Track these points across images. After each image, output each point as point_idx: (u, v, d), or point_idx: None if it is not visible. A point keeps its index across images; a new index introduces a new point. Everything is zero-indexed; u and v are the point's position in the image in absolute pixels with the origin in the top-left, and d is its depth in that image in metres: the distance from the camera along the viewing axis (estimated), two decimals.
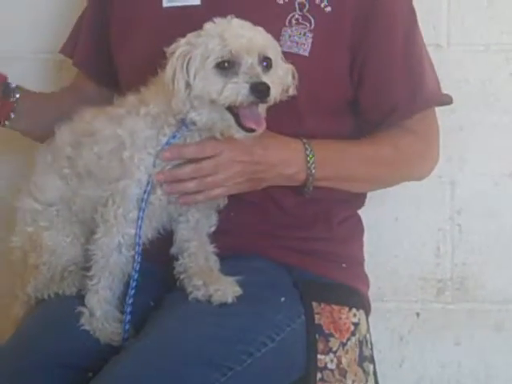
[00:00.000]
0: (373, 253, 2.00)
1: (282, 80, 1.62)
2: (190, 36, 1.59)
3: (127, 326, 1.64)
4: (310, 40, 1.76)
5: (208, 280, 1.66)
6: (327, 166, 1.73)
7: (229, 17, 1.61)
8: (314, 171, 1.71)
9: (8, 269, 1.93)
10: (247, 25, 1.61)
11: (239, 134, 1.59)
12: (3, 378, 1.60)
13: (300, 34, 1.76)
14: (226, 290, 1.64)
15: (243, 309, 1.62)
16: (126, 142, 1.65)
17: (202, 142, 1.63)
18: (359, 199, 1.95)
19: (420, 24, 1.86)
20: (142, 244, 1.66)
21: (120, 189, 1.65)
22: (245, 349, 1.57)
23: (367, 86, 1.80)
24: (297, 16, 1.77)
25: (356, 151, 1.80)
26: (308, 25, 1.77)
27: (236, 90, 1.53)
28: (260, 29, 1.61)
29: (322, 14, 1.77)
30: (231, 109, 1.56)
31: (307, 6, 1.78)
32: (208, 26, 1.60)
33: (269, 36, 1.62)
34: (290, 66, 1.64)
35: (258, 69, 1.55)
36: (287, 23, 1.77)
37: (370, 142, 1.83)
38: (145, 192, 1.63)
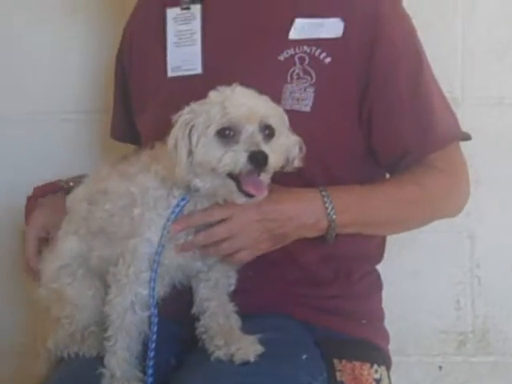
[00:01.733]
0: (393, 307, 1.99)
1: (285, 148, 1.61)
2: (194, 105, 1.60)
3: (151, 380, 1.63)
4: (311, 95, 1.75)
5: (229, 339, 1.66)
6: (349, 211, 1.71)
7: (234, 85, 1.61)
8: (334, 217, 1.68)
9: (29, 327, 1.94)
10: (251, 93, 1.60)
11: (240, 200, 1.58)
12: None
13: (301, 89, 1.75)
14: (248, 348, 1.63)
15: (265, 368, 1.61)
16: (137, 199, 1.66)
17: (210, 207, 1.64)
18: (378, 254, 1.94)
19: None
20: (156, 304, 1.66)
21: (130, 247, 1.66)
22: None
23: (377, 135, 1.78)
24: (297, 71, 1.76)
25: (378, 193, 1.77)
26: (309, 78, 1.75)
27: (235, 158, 1.53)
28: (265, 97, 1.61)
29: (322, 65, 1.76)
30: (232, 175, 1.56)
31: (307, 59, 1.76)
32: (212, 94, 1.60)
33: (273, 105, 1.62)
34: (297, 139, 1.63)
35: (259, 137, 1.55)
36: (288, 79, 1.76)
37: (392, 182, 1.81)
38: (156, 253, 1.64)
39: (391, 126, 1.78)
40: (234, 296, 1.75)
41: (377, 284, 1.94)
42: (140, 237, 1.65)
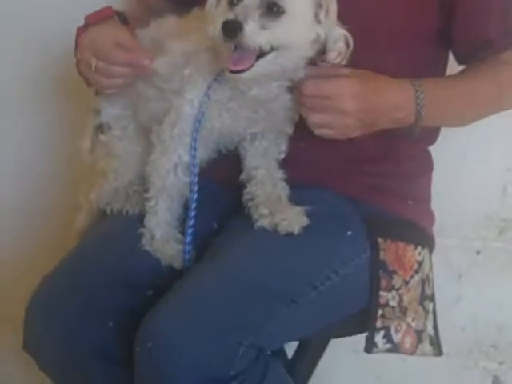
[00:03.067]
0: (438, 188, 1.95)
1: (297, 35, 1.52)
2: None
3: (188, 248, 1.64)
4: None
5: (275, 209, 1.64)
6: (434, 108, 1.66)
7: None
8: (422, 113, 1.64)
9: (70, 181, 1.93)
10: None
11: (228, 75, 1.54)
12: (62, 292, 1.63)
13: None
14: (293, 220, 1.62)
15: (309, 240, 1.60)
16: (191, 59, 1.63)
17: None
18: (431, 136, 1.89)
19: None
20: (197, 165, 1.64)
21: (175, 106, 1.64)
22: (309, 281, 1.56)
23: (459, 17, 1.70)
24: None
25: (459, 90, 1.73)
26: None
27: (216, 24, 1.49)
28: None
29: None
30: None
31: None
32: None
33: None
34: (342, 33, 1.54)
35: (252, 10, 1.48)
36: None
37: (471, 80, 1.75)
38: (195, 120, 1.61)
39: (478, 13, 1.70)
40: (283, 165, 1.73)
41: (427, 165, 1.90)
42: (183, 98, 1.62)
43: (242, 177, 1.72)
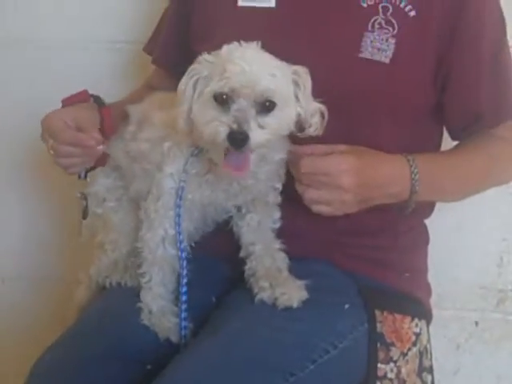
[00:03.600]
0: (434, 260, 1.97)
1: (287, 120, 1.55)
2: (206, 55, 1.56)
3: (184, 323, 1.65)
4: (392, 46, 1.69)
5: (275, 282, 1.66)
6: (428, 183, 1.68)
7: (254, 43, 1.55)
8: (417, 188, 1.66)
9: (73, 255, 1.95)
10: (262, 58, 1.53)
11: (223, 171, 1.56)
12: (64, 366, 1.63)
13: (382, 39, 1.69)
14: (292, 294, 1.64)
15: (307, 314, 1.62)
16: (170, 133, 1.65)
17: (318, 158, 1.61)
18: (427, 210, 1.92)
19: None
20: (183, 240, 1.65)
21: (156, 181, 1.66)
22: (308, 355, 1.57)
23: (451, 93, 1.74)
24: (380, 20, 1.70)
25: (452, 165, 1.76)
26: (391, 29, 1.70)
27: (216, 130, 1.49)
28: (277, 64, 1.54)
29: (406, 18, 1.70)
30: None
31: (391, 9, 1.70)
32: (224, 49, 1.55)
33: (286, 73, 1.54)
34: (318, 106, 1.57)
35: (250, 112, 1.49)
36: (370, 28, 1.70)
37: (464, 154, 1.79)
38: (176, 195, 1.63)
39: (468, 88, 1.74)
40: (279, 240, 1.74)
41: (424, 238, 1.93)
42: (164, 171, 1.65)
43: (241, 254, 1.74)
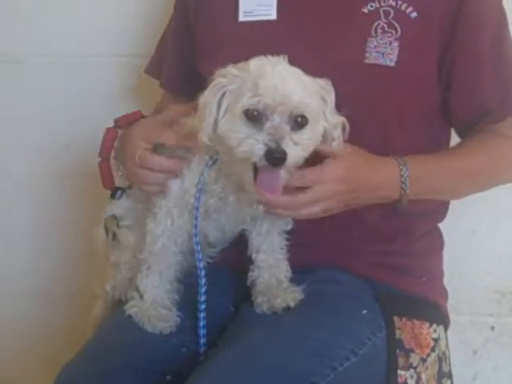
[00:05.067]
0: (450, 265, 1.97)
1: (319, 135, 1.54)
2: (231, 68, 1.53)
3: (203, 331, 1.65)
4: (396, 49, 1.70)
5: (272, 294, 1.68)
6: (420, 184, 1.69)
7: (281, 57, 1.53)
8: (407, 191, 1.67)
9: (89, 269, 1.95)
10: (292, 73, 1.51)
11: (250, 189, 1.54)
12: (84, 380, 1.62)
13: (386, 43, 1.70)
14: (286, 296, 1.66)
15: (326, 321, 1.62)
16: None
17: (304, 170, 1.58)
18: (440, 213, 1.92)
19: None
20: (200, 251, 1.64)
21: (167, 183, 1.66)
22: (329, 363, 1.56)
23: (456, 89, 1.74)
24: (382, 24, 1.71)
25: (449, 165, 1.75)
26: (394, 33, 1.70)
27: (252, 148, 1.46)
28: (306, 79, 1.52)
29: (408, 20, 1.71)
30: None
31: (392, 13, 1.71)
32: (252, 63, 1.52)
33: (315, 88, 1.53)
34: (340, 120, 1.56)
35: (285, 129, 1.47)
36: (373, 33, 1.71)
37: (462, 153, 1.78)
38: (197, 191, 1.62)
39: (472, 84, 1.75)
40: (293, 249, 1.74)
41: (438, 242, 1.92)
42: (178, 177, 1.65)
43: (248, 256, 1.74)
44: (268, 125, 1.47)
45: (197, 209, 1.63)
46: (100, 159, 1.77)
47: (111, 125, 1.77)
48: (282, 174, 1.52)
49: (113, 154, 1.77)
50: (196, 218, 1.63)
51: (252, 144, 1.47)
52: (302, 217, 1.63)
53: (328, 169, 1.59)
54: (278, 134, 1.47)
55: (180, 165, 1.64)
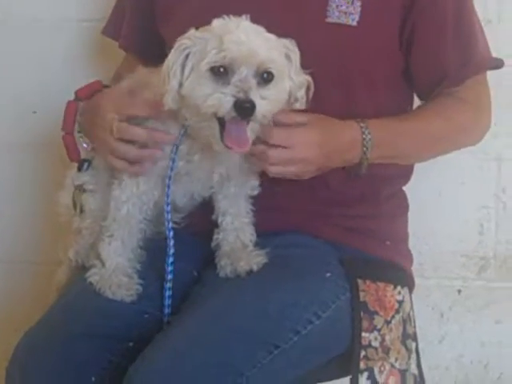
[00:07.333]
0: (415, 229, 1.97)
1: (285, 92, 1.54)
2: (194, 31, 1.52)
3: (168, 302, 1.64)
4: (358, 8, 1.69)
5: (236, 258, 1.68)
6: (381, 147, 1.68)
7: (243, 16, 1.52)
8: (368, 155, 1.67)
9: (54, 235, 1.93)
10: (256, 30, 1.51)
11: (218, 147, 1.53)
12: (46, 344, 1.61)
13: (348, 2, 1.69)
14: (250, 259, 1.66)
15: (289, 284, 1.62)
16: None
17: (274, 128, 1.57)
18: (405, 176, 1.92)
19: None
20: (170, 220, 1.64)
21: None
22: (292, 326, 1.56)
23: (417, 52, 1.74)
24: None
25: (408, 128, 1.75)
26: None
27: (220, 101, 1.45)
28: (271, 36, 1.52)
29: None
30: (220, 118, 1.49)
31: None
32: (215, 23, 1.52)
33: (280, 44, 1.53)
34: (305, 79, 1.56)
35: (252, 82, 1.47)
36: None
37: (421, 117, 1.79)
38: (170, 159, 1.61)
39: (432, 47, 1.75)
40: (259, 213, 1.74)
41: (403, 205, 1.92)
42: None
43: (214, 219, 1.73)
44: (235, 78, 1.47)
45: (169, 177, 1.61)
46: (64, 133, 1.75)
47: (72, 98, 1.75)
48: (251, 126, 1.51)
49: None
50: (168, 186, 1.62)
51: (219, 98, 1.46)
52: (275, 173, 1.62)
53: (302, 132, 1.60)
54: (245, 86, 1.46)
55: (167, 137, 1.61)
